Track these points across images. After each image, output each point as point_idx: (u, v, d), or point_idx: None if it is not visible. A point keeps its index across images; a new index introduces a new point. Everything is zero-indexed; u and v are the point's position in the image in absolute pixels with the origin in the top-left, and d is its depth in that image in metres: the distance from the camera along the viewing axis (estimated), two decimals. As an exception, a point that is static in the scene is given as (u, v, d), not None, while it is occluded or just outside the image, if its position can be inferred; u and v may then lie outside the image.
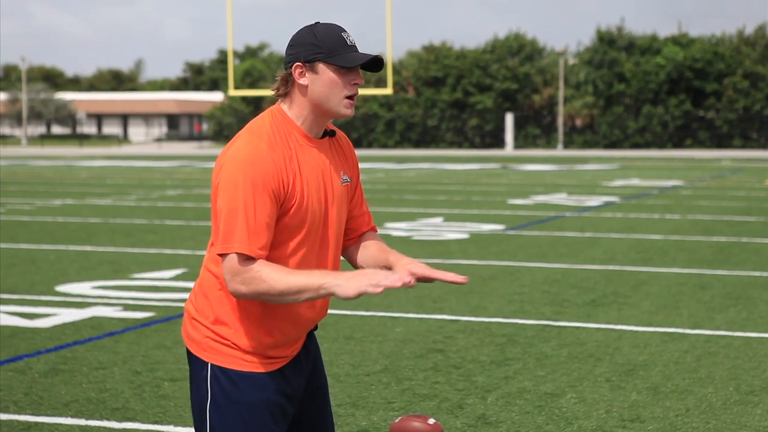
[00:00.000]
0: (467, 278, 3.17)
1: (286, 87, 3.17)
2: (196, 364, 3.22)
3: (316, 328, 3.37)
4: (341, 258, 3.36)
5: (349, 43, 3.13)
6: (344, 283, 2.98)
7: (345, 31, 3.15)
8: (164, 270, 11.63)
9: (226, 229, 3.04)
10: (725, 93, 69.01)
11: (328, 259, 3.25)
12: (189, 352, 3.26)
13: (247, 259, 3.02)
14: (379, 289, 2.92)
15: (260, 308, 3.16)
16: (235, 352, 3.16)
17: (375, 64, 3.12)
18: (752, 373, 6.95)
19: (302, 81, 3.13)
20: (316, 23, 3.17)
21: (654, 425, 5.82)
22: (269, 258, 3.11)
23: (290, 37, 3.18)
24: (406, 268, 3.20)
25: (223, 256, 3.06)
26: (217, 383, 3.16)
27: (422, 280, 3.20)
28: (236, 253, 3.02)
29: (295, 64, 3.13)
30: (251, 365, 3.16)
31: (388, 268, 3.28)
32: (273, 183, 3.06)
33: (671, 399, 6.34)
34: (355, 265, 3.41)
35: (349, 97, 3.15)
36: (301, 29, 3.17)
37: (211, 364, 3.17)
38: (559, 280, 10.92)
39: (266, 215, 3.04)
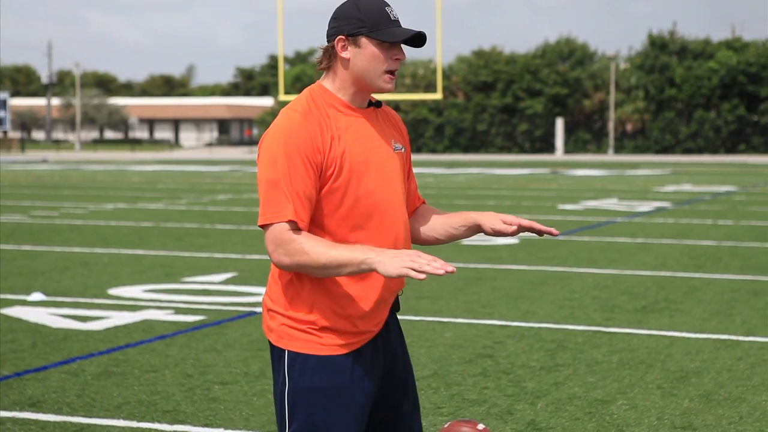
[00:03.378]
0: (558, 232, 3.21)
1: (329, 60, 3.16)
2: (275, 353, 3.20)
3: (398, 308, 3.31)
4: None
5: (392, 17, 3.12)
6: (387, 260, 2.93)
7: (389, 6, 3.14)
8: (215, 274, 11.70)
9: (265, 200, 3.04)
10: (780, 97, 68.11)
11: (397, 227, 3.18)
12: (270, 344, 3.22)
13: (289, 229, 3.01)
14: (422, 276, 2.86)
15: (330, 286, 3.12)
16: (311, 337, 3.13)
17: (418, 39, 3.11)
18: (807, 382, 6.85)
19: (344, 54, 3.13)
20: None
21: (706, 433, 5.75)
22: (327, 229, 3.09)
23: (334, 9, 3.18)
24: (499, 218, 3.24)
25: (264, 227, 3.04)
26: (295, 369, 3.13)
27: (518, 229, 3.23)
28: (277, 222, 3.01)
29: (338, 38, 3.12)
30: (329, 348, 3.13)
31: (475, 226, 3.29)
32: (307, 150, 3.04)
33: (724, 407, 6.26)
34: (417, 239, 3.38)
35: (391, 72, 3.14)
36: (345, 2, 3.15)
37: (288, 351, 3.15)
38: (609, 286, 10.84)
39: (304, 184, 3.03)
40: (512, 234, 3.23)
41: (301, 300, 3.14)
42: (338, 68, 3.15)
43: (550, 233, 3.19)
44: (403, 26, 3.14)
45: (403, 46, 3.17)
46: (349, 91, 3.16)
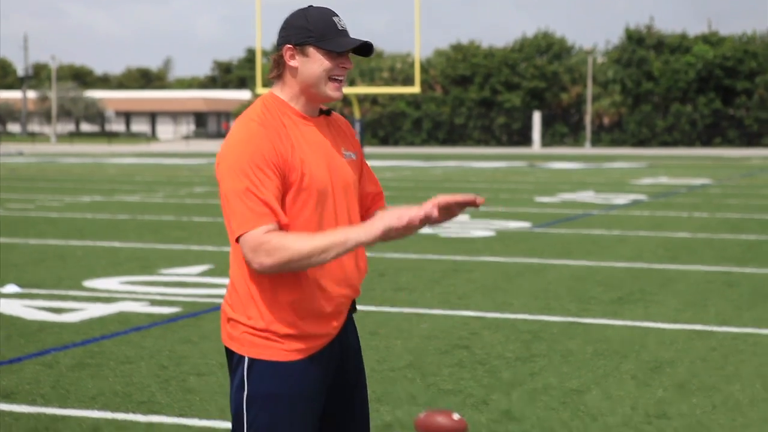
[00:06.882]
0: (483, 200, 3.20)
1: (279, 69, 3.20)
2: (235, 360, 3.21)
3: (354, 310, 3.35)
4: None
5: (339, 27, 3.15)
6: (368, 227, 3.00)
7: (336, 15, 3.17)
8: (191, 266, 11.68)
9: (239, 210, 3.04)
10: (756, 91, 68.50)
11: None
12: (229, 352, 3.24)
13: (265, 232, 3.02)
14: (404, 220, 2.95)
15: (285, 296, 3.14)
16: (271, 343, 3.14)
17: (365, 49, 3.15)
18: (780, 371, 6.90)
19: (292, 63, 3.16)
20: (309, 7, 3.19)
21: (680, 422, 5.79)
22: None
23: (283, 20, 3.21)
24: (430, 201, 3.14)
25: (240, 237, 3.05)
26: (254, 375, 3.14)
27: (447, 209, 3.15)
28: (253, 229, 3.03)
29: (285, 47, 3.15)
30: (288, 354, 3.14)
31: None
32: (272, 157, 3.07)
33: (697, 396, 6.30)
34: None
35: (338, 81, 3.17)
36: (294, 12, 3.19)
37: (248, 357, 3.16)
38: (585, 278, 10.89)
39: (273, 188, 3.06)
40: (434, 217, 3.12)
41: (258, 309, 3.16)
42: (287, 77, 3.19)
43: (474, 202, 3.14)
44: (350, 36, 3.18)
45: (350, 55, 3.20)
46: (300, 99, 3.20)
